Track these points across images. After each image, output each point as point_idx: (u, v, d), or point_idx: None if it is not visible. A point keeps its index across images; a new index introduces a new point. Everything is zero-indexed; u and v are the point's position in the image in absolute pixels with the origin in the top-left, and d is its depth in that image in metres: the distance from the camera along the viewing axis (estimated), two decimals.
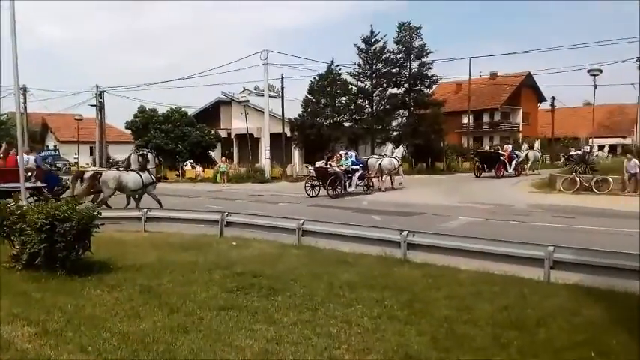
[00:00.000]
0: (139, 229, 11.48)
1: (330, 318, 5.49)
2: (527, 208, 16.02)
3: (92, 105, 38.89)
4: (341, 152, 22.71)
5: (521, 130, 53.19)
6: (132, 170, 13.92)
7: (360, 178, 21.12)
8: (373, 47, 36.19)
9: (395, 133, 37.01)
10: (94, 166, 34.23)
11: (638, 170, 18.58)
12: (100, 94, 38.42)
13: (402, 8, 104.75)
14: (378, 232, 9.15)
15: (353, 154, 22.45)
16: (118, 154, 45.47)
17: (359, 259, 8.35)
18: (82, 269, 7.31)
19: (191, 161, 36.26)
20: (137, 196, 14.06)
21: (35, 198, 13.23)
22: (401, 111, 37.76)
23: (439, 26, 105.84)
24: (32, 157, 14.29)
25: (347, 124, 35.55)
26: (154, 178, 14.43)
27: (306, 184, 20.50)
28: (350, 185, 20.54)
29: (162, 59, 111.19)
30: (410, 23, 36.35)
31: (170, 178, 32.62)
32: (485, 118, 53.63)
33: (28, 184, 13.31)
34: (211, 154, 39.04)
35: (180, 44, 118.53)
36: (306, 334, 5.02)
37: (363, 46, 36.25)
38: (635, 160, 18.95)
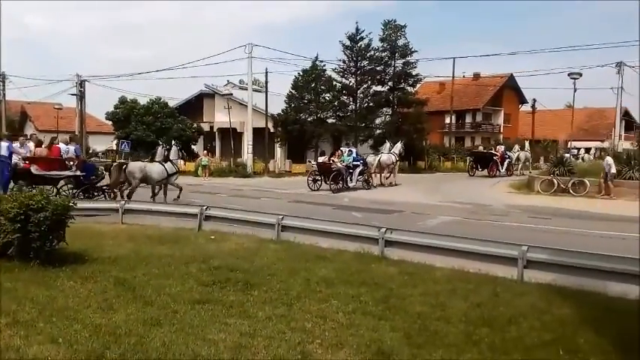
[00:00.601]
0: (116, 221, 11.36)
1: (305, 313, 5.51)
2: (505, 208, 16.23)
3: (72, 94, 38.22)
4: (342, 148, 23.38)
5: (502, 131, 53.81)
6: (156, 161, 14.66)
7: (360, 173, 21.78)
8: (358, 44, 36.18)
9: (378, 131, 37.13)
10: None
11: (612, 170, 18.92)
12: (81, 84, 37.78)
13: (388, 7, 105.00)
14: (356, 228, 9.16)
15: (354, 150, 23.13)
16: (98, 145, 45.01)
17: (337, 255, 8.36)
18: (56, 260, 7.21)
19: None
20: (162, 186, 14.73)
21: (72, 185, 14.31)
22: (384, 109, 37.87)
23: (424, 26, 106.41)
24: (72, 147, 15.08)
25: (330, 121, 35.57)
26: (177, 169, 15.24)
27: (309, 178, 21.28)
28: (351, 180, 21.20)
29: (146, 51, 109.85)
30: (395, 21, 36.57)
31: None
32: (468, 119, 54.18)
33: (69, 173, 14.24)
34: (194, 147, 38.75)
35: (164, 37, 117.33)
36: (281, 328, 5.03)
37: (348, 42, 36.24)
38: (609, 158, 19.46)
